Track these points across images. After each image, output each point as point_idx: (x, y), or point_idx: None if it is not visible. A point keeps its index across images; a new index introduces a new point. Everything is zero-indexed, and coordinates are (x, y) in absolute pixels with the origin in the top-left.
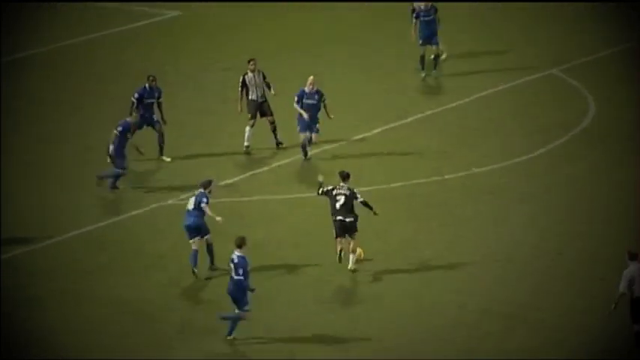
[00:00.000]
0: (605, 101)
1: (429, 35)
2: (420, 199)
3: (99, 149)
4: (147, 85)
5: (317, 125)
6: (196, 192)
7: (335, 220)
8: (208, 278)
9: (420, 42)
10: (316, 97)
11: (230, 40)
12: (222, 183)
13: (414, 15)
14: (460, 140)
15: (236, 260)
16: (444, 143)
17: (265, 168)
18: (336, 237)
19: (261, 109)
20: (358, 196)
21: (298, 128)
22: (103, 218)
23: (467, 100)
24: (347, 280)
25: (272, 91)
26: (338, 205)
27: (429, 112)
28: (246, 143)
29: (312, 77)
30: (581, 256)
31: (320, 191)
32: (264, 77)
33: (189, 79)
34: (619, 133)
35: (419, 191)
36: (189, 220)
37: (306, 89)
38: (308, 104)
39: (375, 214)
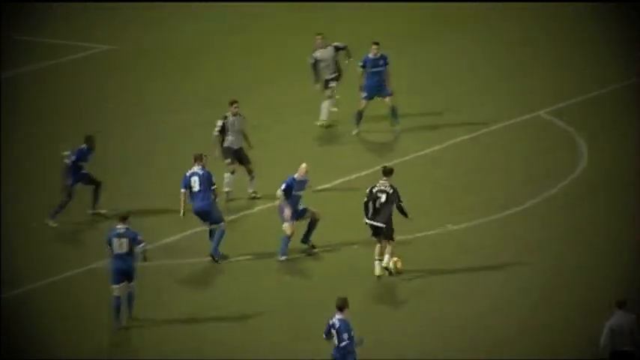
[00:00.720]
0: (597, 145)
1: (377, 87)
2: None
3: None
4: (85, 146)
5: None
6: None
7: (369, 224)
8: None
9: (365, 95)
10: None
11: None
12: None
13: (361, 64)
14: (435, 193)
15: (338, 325)
16: (418, 196)
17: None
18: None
19: (238, 156)
20: (402, 199)
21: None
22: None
23: (439, 147)
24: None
25: (249, 145)
26: (378, 204)
27: (397, 161)
28: (226, 189)
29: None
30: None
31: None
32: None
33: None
34: (616, 180)
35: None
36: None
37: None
38: (373, 72)
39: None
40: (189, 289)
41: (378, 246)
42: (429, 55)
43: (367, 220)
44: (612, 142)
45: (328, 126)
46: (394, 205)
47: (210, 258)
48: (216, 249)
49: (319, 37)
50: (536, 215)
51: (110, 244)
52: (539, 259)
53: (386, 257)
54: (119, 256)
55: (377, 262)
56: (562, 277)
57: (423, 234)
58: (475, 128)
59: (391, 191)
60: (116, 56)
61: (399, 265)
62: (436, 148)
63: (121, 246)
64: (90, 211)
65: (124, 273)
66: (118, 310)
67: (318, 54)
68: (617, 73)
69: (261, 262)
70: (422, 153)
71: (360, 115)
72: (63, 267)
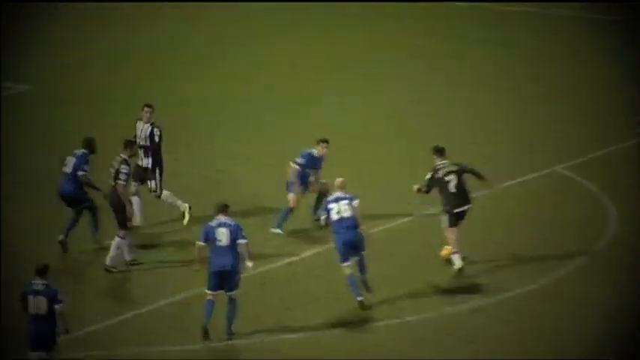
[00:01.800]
0: (625, 203)
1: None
2: None
3: None
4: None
5: None
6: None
7: (454, 214)
8: None
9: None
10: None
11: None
12: None
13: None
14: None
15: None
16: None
17: None
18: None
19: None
20: (467, 166)
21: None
22: None
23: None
24: None
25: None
26: (452, 187)
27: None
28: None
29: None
30: None
31: (426, 189)
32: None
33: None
34: None
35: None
36: None
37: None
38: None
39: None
40: None
41: (453, 237)
42: (439, 108)
43: (458, 210)
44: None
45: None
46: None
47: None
48: (231, 328)
49: (148, 109)
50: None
51: (25, 301)
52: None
53: (456, 256)
54: (36, 318)
55: (457, 255)
56: None
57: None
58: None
59: (456, 168)
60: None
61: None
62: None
63: (38, 306)
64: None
65: (42, 339)
66: None
67: (138, 129)
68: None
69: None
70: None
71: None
72: None
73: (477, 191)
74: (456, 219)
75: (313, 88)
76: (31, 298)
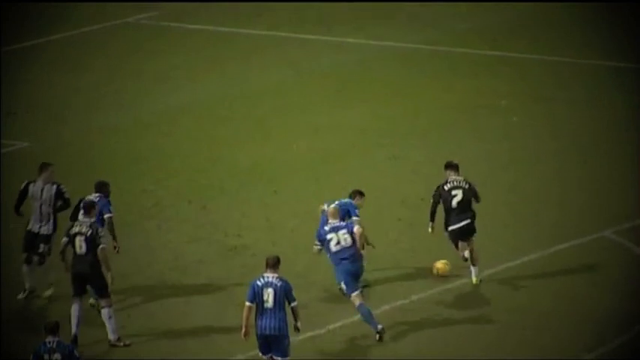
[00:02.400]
0: None
1: None
2: None
3: None
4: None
5: None
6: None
7: (449, 231)
8: None
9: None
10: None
11: None
12: None
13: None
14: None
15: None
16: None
17: None
18: (456, 244)
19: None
20: (479, 196)
21: None
22: None
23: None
24: None
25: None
26: (454, 203)
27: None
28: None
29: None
30: None
31: (433, 207)
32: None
33: None
34: None
35: None
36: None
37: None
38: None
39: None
40: None
41: (466, 251)
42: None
43: (452, 227)
44: None
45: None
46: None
47: None
48: None
49: (51, 167)
50: None
51: None
52: None
53: (473, 270)
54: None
55: (474, 269)
56: None
57: None
58: (530, 249)
59: (467, 186)
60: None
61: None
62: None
63: None
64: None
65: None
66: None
67: (34, 191)
68: None
69: None
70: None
71: None
72: None
73: (525, 255)
74: (454, 236)
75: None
76: (46, 357)
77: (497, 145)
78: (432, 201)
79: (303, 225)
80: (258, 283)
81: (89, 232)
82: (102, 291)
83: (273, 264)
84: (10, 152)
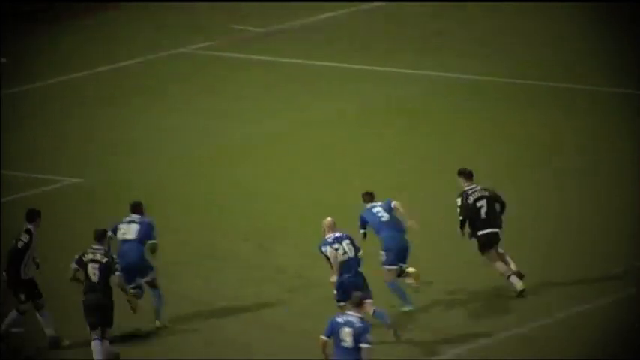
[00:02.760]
0: None
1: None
2: None
3: None
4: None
5: None
6: None
7: (478, 236)
8: None
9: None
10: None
11: None
12: None
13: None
14: None
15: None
16: None
17: None
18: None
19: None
20: (503, 200)
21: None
22: None
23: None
24: None
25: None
26: (483, 214)
27: None
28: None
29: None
30: None
31: (462, 220)
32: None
33: None
34: None
35: None
36: None
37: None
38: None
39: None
40: None
41: (499, 262)
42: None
43: (482, 232)
44: None
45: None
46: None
47: None
48: None
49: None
50: None
51: None
52: None
53: (513, 265)
54: None
55: (513, 277)
56: None
57: None
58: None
59: (488, 194)
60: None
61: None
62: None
63: None
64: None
65: None
66: None
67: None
68: None
69: None
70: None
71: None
72: None
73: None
74: (484, 243)
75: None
76: None
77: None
78: (460, 218)
79: (366, 261)
80: (339, 320)
81: (104, 260)
82: (108, 322)
83: (357, 303)
84: (64, 187)
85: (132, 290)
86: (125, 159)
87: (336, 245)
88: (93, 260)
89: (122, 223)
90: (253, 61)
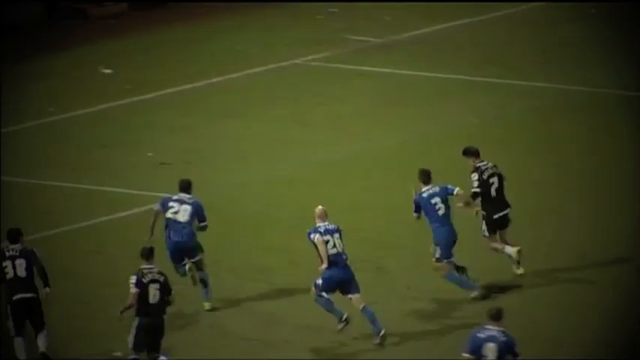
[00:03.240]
0: None
1: None
2: None
3: None
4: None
5: None
6: None
7: (494, 220)
8: None
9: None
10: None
11: None
12: None
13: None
14: None
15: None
16: None
17: None
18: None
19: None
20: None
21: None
22: None
23: None
24: None
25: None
26: (493, 191)
27: None
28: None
29: None
30: None
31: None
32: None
33: None
34: None
35: None
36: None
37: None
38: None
39: None
40: None
41: (507, 246)
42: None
43: (497, 215)
44: None
45: None
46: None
47: None
48: None
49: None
50: None
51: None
52: None
53: (508, 248)
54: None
55: (508, 248)
56: None
57: None
58: None
59: (498, 170)
60: None
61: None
62: None
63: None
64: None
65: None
66: None
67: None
68: None
69: None
70: None
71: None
72: None
73: None
74: (494, 226)
75: None
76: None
77: None
78: (478, 190)
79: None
80: (480, 335)
81: (162, 279)
82: (162, 339)
83: (497, 316)
84: None
85: (190, 272)
86: (235, 175)
87: (326, 237)
88: (153, 281)
89: (172, 201)
90: (368, 72)
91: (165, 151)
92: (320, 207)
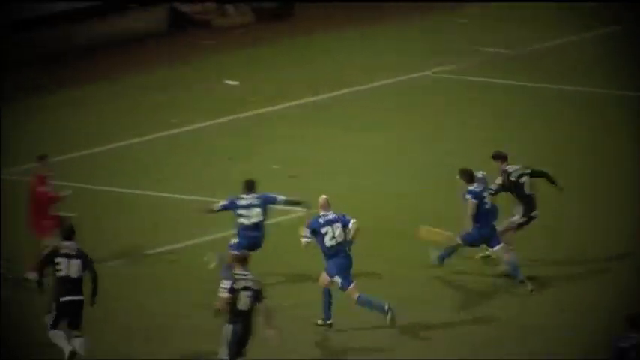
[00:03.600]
0: None
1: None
2: None
3: None
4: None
5: None
6: None
7: (530, 217)
8: None
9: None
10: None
11: None
12: None
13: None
14: None
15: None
16: None
17: None
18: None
19: None
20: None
21: None
22: None
23: None
24: None
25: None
26: (527, 190)
27: None
28: None
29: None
30: None
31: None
32: None
33: None
34: None
35: None
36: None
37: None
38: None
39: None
40: None
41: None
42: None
43: (534, 213)
44: None
45: None
46: None
47: None
48: None
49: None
50: None
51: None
52: None
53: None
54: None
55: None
56: None
57: None
58: None
59: (529, 171)
60: None
61: None
62: None
63: None
64: None
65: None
66: None
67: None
68: None
69: None
70: None
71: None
72: None
73: None
74: (525, 223)
75: None
76: None
77: None
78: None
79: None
80: (623, 345)
81: (257, 287)
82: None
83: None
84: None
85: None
86: (361, 179)
87: (324, 229)
88: (245, 288)
89: (240, 200)
90: (497, 85)
91: (291, 163)
92: (323, 196)
